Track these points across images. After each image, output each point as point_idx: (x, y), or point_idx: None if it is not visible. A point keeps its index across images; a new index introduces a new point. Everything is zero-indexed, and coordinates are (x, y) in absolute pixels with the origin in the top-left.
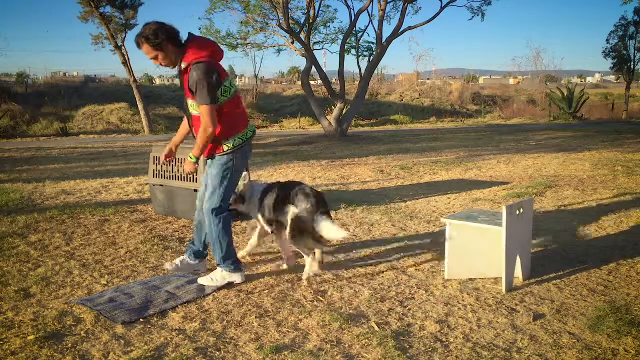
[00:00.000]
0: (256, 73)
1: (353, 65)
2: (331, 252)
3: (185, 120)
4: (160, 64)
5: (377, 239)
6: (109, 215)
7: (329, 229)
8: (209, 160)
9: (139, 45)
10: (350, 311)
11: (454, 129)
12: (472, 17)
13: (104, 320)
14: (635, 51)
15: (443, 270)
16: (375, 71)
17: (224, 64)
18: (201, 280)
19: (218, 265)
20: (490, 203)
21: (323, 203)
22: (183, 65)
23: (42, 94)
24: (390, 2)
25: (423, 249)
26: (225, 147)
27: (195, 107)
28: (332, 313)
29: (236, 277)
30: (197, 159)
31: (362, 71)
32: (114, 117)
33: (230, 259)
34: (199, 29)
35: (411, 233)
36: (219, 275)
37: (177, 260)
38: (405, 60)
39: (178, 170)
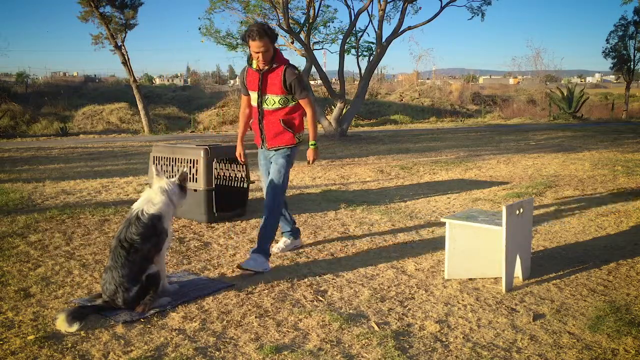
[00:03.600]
0: None
1: (353, 65)
2: (331, 252)
3: (243, 117)
4: (260, 58)
5: (377, 238)
6: (109, 215)
7: None
8: (269, 153)
9: (256, 36)
10: (350, 311)
11: (454, 129)
12: (472, 17)
13: (104, 320)
14: (635, 51)
15: (443, 270)
16: (375, 71)
17: (224, 64)
18: (275, 249)
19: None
20: (490, 203)
21: None
22: (274, 66)
23: (42, 94)
24: (390, 2)
25: (423, 249)
26: (297, 140)
27: (272, 104)
28: (332, 313)
29: (299, 242)
30: (316, 142)
31: (362, 71)
32: (114, 117)
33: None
34: (199, 28)
35: (411, 233)
36: (289, 243)
37: (281, 244)
38: (405, 60)
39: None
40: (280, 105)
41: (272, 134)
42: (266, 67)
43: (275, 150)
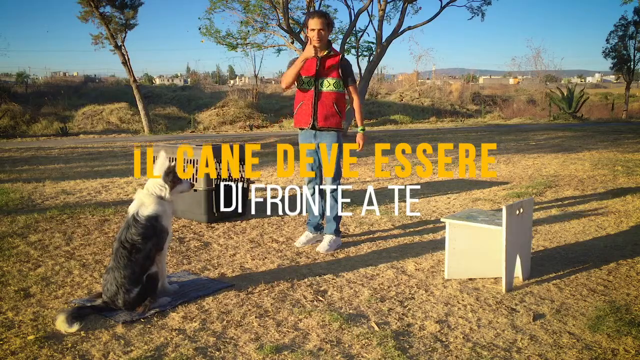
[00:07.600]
0: (256, 73)
1: (353, 65)
2: (332, 253)
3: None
4: (315, 38)
5: (377, 238)
6: (109, 215)
7: None
8: (317, 136)
9: (315, 16)
10: (350, 311)
11: (454, 129)
12: (472, 17)
13: (104, 320)
14: (635, 51)
15: (443, 270)
16: (375, 71)
17: (224, 64)
18: (320, 249)
19: (328, 233)
20: (490, 203)
21: None
22: (332, 53)
23: (42, 94)
24: (390, 2)
25: (423, 249)
26: (342, 126)
27: (327, 86)
28: (332, 313)
29: (340, 241)
30: (364, 127)
31: (362, 71)
32: (114, 117)
33: (339, 224)
34: (199, 28)
35: (411, 233)
36: (334, 241)
37: (303, 237)
38: (405, 60)
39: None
40: (334, 89)
41: (324, 115)
42: (324, 52)
43: (325, 131)
